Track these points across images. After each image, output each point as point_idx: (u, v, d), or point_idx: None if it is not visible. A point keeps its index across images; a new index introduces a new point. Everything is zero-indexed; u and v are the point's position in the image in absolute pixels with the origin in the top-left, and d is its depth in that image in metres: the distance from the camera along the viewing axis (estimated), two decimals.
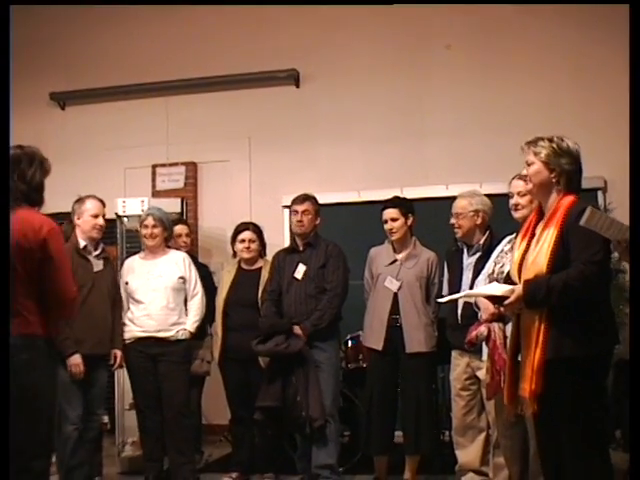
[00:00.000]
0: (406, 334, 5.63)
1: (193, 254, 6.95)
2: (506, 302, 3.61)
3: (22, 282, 3.73)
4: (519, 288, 3.57)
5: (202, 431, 6.87)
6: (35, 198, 3.90)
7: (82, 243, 5.61)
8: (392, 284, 5.70)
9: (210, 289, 6.37)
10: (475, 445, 5.32)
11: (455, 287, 5.22)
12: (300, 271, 5.85)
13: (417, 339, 5.63)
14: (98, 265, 5.64)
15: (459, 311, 5.16)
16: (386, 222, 5.77)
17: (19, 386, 3.66)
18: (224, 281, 6.31)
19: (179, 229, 6.73)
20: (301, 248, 5.95)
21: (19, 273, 3.72)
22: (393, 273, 5.73)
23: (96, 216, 5.64)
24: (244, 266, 6.30)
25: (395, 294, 5.69)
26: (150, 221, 5.99)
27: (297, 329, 5.69)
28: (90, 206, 5.66)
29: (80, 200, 5.71)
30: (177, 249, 6.28)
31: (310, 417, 5.60)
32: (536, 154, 3.72)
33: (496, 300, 3.76)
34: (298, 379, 5.69)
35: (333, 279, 5.80)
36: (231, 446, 6.53)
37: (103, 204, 5.75)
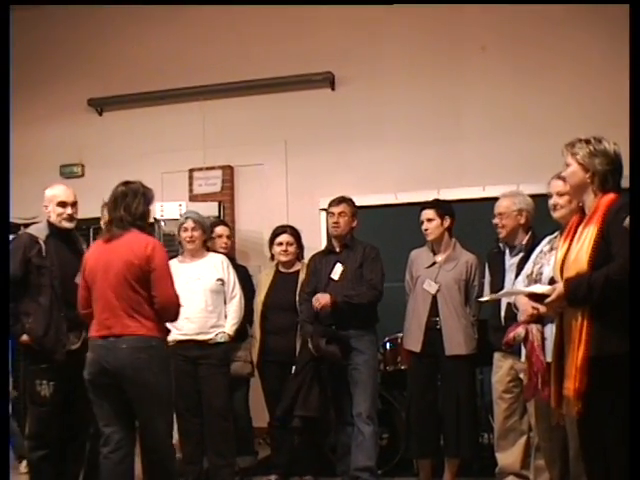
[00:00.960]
0: (445, 337, 5.62)
1: (232, 256, 6.97)
2: (547, 300, 3.59)
3: (135, 292, 4.47)
4: (560, 286, 3.54)
5: (253, 433, 6.82)
6: (140, 224, 4.62)
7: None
8: (430, 287, 5.70)
9: (249, 291, 6.40)
10: (516, 448, 5.29)
11: (497, 289, 5.15)
12: (337, 272, 5.87)
13: (457, 342, 5.62)
14: None
15: (502, 313, 5.13)
16: (422, 223, 5.80)
17: (143, 381, 4.40)
18: (262, 284, 6.35)
19: (220, 230, 6.77)
20: (338, 249, 5.96)
21: (132, 284, 4.45)
22: (432, 276, 5.73)
23: None
24: (282, 269, 6.33)
25: (434, 297, 5.69)
26: (190, 224, 6.03)
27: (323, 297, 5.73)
28: None
29: (105, 205, 5.77)
30: (215, 251, 6.31)
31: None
32: (573, 155, 3.73)
33: (537, 298, 3.73)
34: (334, 390, 5.80)
35: (373, 277, 5.81)
36: (270, 449, 6.55)
37: None
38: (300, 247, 6.36)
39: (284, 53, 8.33)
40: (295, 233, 6.34)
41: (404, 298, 5.99)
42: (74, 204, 5.34)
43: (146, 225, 4.69)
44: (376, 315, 5.91)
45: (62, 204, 5.30)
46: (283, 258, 6.27)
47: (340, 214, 5.93)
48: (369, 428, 5.66)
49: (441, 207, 5.83)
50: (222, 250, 6.56)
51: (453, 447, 5.65)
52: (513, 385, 5.23)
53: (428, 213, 5.79)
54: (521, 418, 5.26)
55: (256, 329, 6.25)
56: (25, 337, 5.11)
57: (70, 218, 5.31)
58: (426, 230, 5.78)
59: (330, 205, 6.02)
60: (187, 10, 8.48)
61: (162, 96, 8.68)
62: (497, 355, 5.34)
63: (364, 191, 7.46)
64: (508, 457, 5.33)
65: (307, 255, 6.38)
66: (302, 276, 6.15)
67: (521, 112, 7.64)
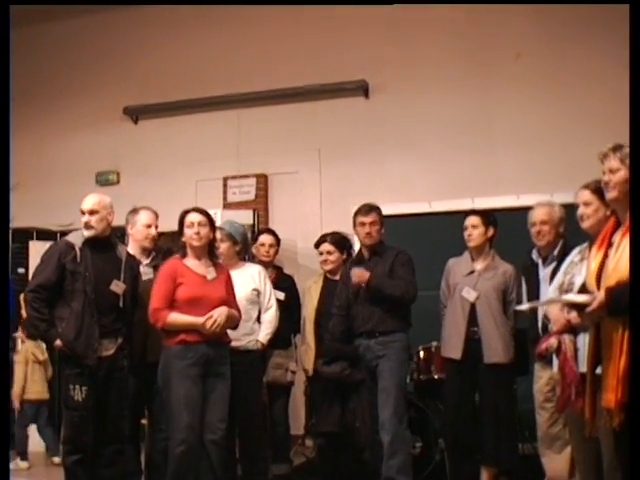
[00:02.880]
0: (484, 345, 5.62)
1: (277, 265, 6.96)
2: (588, 309, 3.44)
3: None
4: (601, 295, 3.40)
5: (290, 441, 6.85)
6: (177, 250, 5.40)
7: (130, 252, 5.71)
8: (469, 294, 5.69)
9: (295, 299, 6.46)
10: (563, 457, 5.24)
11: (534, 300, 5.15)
12: None
13: (495, 350, 5.61)
14: (147, 274, 5.70)
15: (539, 323, 5.09)
16: (466, 229, 5.80)
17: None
18: (312, 291, 6.40)
19: (262, 239, 6.79)
20: (367, 257, 5.94)
21: None
22: (471, 283, 5.72)
23: (149, 226, 5.74)
24: (329, 276, 6.37)
25: (472, 305, 5.68)
26: (217, 235, 6.01)
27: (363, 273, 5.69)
28: (143, 216, 5.77)
29: (134, 211, 5.83)
30: (254, 258, 6.30)
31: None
32: (623, 161, 3.54)
33: (576, 308, 3.64)
34: (357, 405, 5.77)
35: (405, 277, 5.75)
36: (319, 457, 6.50)
37: (156, 215, 5.84)
38: (349, 254, 6.36)
39: (318, 61, 8.36)
40: (336, 241, 6.34)
41: (437, 307, 5.97)
42: (92, 212, 5.32)
43: (182, 247, 5.32)
44: (409, 319, 5.85)
45: (82, 212, 5.35)
46: (325, 267, 6.34)
47: (371, 223, 5.89)
48: (390, 436, 5.57)
49: (486, 216, 5.85)
50: (264, 259, 6.56)
51: (491, 456, 5.64)
52: (553, 394, 5.19)
53: (473, 219, 5.80)
54: (565, 426, 5.21)
55: (310, 337, 6.29)
56: (58, 342, 5.17)
57: (87, 226, 5.33)
58: (469, 236, 5.78)
59: (358, 214, 5.96)
60: (221, 19, 8.55)
61: (197, 104, 8.74)
62: (537, 366, 5.33)
63: (398, 199, 7.47)
64: (556, 466, 5.29)
65: None
66: None
67: (555, 120, 7.60)
